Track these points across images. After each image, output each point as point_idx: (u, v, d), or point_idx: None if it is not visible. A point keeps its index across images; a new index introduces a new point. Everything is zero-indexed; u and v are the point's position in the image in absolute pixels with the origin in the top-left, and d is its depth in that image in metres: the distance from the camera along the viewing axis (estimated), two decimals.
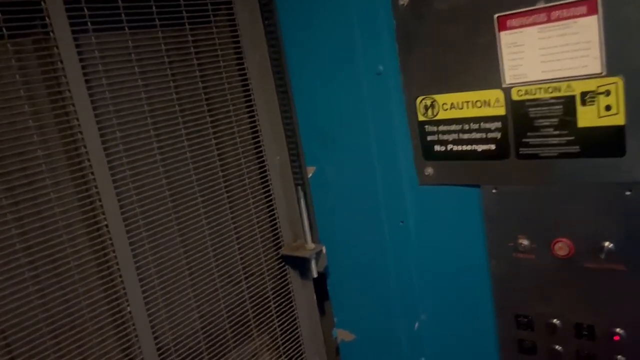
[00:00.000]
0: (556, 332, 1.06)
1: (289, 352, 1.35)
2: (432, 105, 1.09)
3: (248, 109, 1.24)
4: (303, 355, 1.39)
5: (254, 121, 1.26)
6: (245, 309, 1.25)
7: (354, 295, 1.35)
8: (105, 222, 0.97)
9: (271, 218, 1.31)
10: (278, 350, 1.34)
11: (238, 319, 1.24)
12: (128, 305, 1.00)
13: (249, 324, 1.26)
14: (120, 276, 0.99)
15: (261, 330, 1.30)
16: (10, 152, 0.87)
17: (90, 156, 0.95)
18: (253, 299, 1.27)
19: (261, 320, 1.29)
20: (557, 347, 1.07)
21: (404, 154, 1.15)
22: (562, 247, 1.01)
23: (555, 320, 1.06)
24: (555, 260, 1.02)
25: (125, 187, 1.00)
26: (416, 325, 1.26)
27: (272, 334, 1.32)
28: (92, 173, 0.95)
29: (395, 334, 1.30)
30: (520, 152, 1.01)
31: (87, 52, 0.95)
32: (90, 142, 0.94)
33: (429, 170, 1.13)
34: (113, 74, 1.00)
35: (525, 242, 1.05)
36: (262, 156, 1.28)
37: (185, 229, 1.13)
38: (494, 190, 1.06)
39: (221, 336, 1.19)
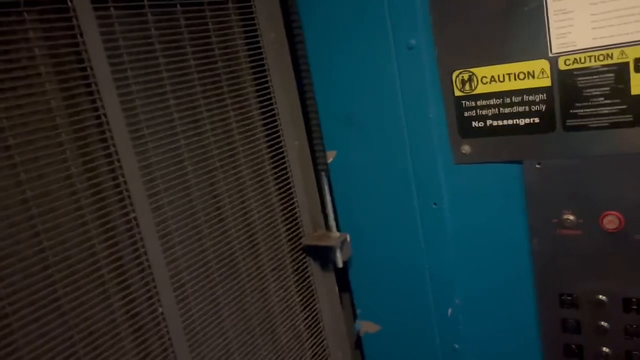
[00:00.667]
0: (602, 308, 1.04)
1: (314, 347, 1.28)
2: (470, 79, 1.04)
3: (264, 91, 1.16)
4: (326, 350, 1.32)
5: (271, 103, 1.17)
6: (271, 305, 1.17)
7: (380, 284, 1.29)
8: (132, 207, 0.87)
9: (291, 207, 1.23)
10: (303, 347, 1.26)
11: (266, 316, 1.16)
12: (160, 306, 0.90)
13: (274, 320, 1.18)
14: (151, 273, 0.89)
15: (287, 327, 1.22)
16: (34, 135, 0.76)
17: (116, 141, 0.84)
18: (278, 292, 1.19)
19: (286, 316, 1.21)
20: (603, 323, 1.05)
21: (438, 133, 1.10)
22: (611, 221, 0.98)
23: (601, 297, 1.04)
24: (603, 234, 1.00)
25: (152, 176, 0.91)
26: (449, 311, 1.22)
27: (295, 330, 1.25)
28: (118, 160, 0.85)
29: (426, 322, 1.25)
30: (568, 124, 0.97)
31: (107, 27, 0.84)
32: (118, 137, 0.84)
33: (466, 148, 1.09)
34: (134, 50, 0.89)
35: (571, 217, 1.02)
36: (280, 141, 1.20)
37: (213, 220, 1.04)
38: (537, 165, 1.02)
39: (250, 335, 1.11)
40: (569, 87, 0.95)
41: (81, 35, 0.80)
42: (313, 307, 1.29)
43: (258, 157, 1.16)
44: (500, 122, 1.04)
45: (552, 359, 1.12)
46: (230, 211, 1.07)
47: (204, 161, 1.03)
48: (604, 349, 1.06)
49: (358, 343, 1.40)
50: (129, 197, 0.86)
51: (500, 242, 1.12)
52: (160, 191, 0.92)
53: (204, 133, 1.03)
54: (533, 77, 0.98)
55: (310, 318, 1.29)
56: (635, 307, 1.01)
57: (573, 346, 1.10)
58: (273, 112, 1.18)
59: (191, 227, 0.99)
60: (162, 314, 0.91)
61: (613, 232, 0.99)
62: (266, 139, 1.19)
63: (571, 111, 0.96)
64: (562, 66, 0.95)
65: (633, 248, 0.98)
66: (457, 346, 1.23)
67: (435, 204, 1.16)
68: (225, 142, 1.08)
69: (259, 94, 1.15)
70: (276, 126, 1.19)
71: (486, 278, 1.16)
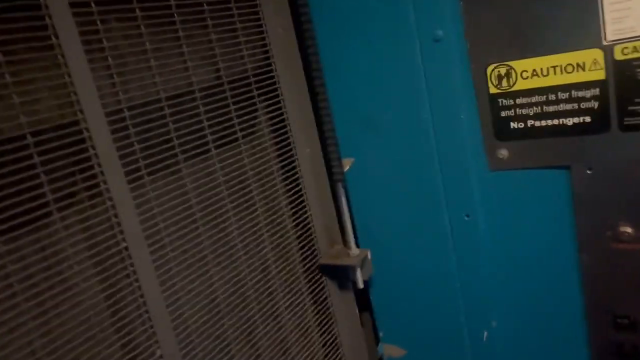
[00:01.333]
0: None
1: None
2: (508, 74, 0.91)
3: (272, 93, 1.03)
4: None
5: (280, 107, 1.04)
6: (285, 334, 1.04)
7: (405, 304, 1.16)
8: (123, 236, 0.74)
9: (304, 222, 1.10)
10: None
11: (280, 346, 1.03)
12: (159, 348, 0.77)
13: (290, 349, 1.05)
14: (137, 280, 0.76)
15: (303, 356, 1.09)
16: None
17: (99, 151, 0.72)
18: (293, 319, 1.06)
19: (303, 344, 1.08)
20: None
21: (470, 135, 0.97)
22: None
23: None
24: None
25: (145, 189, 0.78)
26: (485, 334, 1.08)
27: (313, 358, 1.12)
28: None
29: (459, 347, 1.12)
30: (626, 123, 0.84)
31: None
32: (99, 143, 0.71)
33: (503, 152, 0.95)
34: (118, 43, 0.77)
35: (628, 229, 0.88)
36: (290, 149, 1.07)
37: (215, 237, 0.91)
38: (588, 171, 0.89)
39: None
40: (627, 79, 0.82)
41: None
42: (331, 331, 1.16)
43: (267, 167, 1.03)
44: (543, 123, 0.90)
45: None
46: (237, 231, 0.95)
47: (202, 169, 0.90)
48: None
49: None
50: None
51: (543, 258, 0.99)
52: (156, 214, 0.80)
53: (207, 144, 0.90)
54: (583, 69, 0.85)
55: (328, 344, 1.16)
56: None
57: None
58: (282, 117, 1.05)
59: (193, 247, 0.86)
60: (161, 357, 0.78)
61: None
62: (275, 147, 1.06)
63: (629, 108, 0.83)
64: (618, 56, 0.82)
65: None
66: None
67: (468, 215, 1.02)
68: (230, 154, 0.95)
69: (266, 97, 1.02)
70: (286, 132, 1.06)
71: (528, 298, 1.03)
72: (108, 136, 0.73)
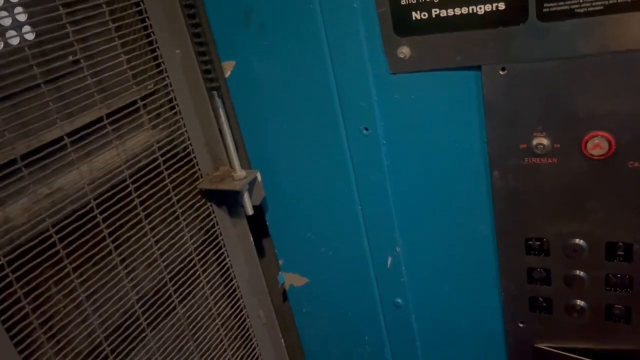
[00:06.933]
0: (580, 255, 0.81)
1: (224, 310, 1.03)
2: None
3: None
4: (243, 311, 1.07)
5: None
6: (159, 270, 0.89)
7: (304, 230, 1.03)
8: None
9: (180, 140, 0.92)
10: (211, 313, 1.01)
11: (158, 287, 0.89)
12: None
13: (167, 288, 0.91)
14: None
15: (188, 293, 0.95)
16: None
17: None
18: (175, 254, 0.91)
19: (184, 279, 0.94)
20: (579, 272, 0.83)
21: (366, 30, 0.79)
22: (598, 144, 0.72)
23: (578, 241, 0.80)
24: (586, 162, 0.74)
25: None
26: (389, 260, 0.97)
27: (201, 294, 0.98)
28: None
29: (363, 274, 1.01)
30: (546, 10, 0.68)
31: None
32: None
33: (404, 51, 0.78)
34: None
35: (544, 141, 0.75)
36: (154, 49, 0.86)
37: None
38: (502, 72, 0.74)
39: (135, 325, 0.84)
40: None
41: None
42: (222, 262, 1.02)
43: (122, 80, 0.83)
44: (450, 12, 0.73)
45: (515, 314, 0.91)
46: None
47: None
48: (579, 302, 0.85)
49: (286, 296, 1.17)
50: None
51: (451, 176, 0.85)
52: None
53: None
54: None
55: (218, 276, 1.02)
56: (621, 252, 0.79)
57: (540, 299, 0.88)
58: (139, 9, 0.83)
59: None
60: None
61: (600, 160, 0.73)
62: (136, 52, 0.85)
63: None
64: None
65: (625, 180, 0.73)
66: (399, 301, 1.01)
67: (366, 128, 0.87)
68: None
69: None
70: (146, 27, 0.85)
71: (434, 220, 0.91)
72: None
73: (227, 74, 0.93)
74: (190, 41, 0.90)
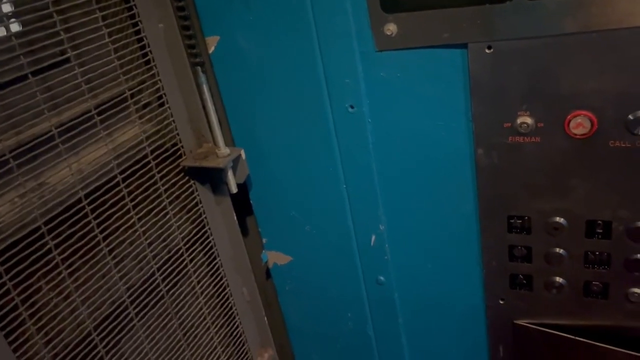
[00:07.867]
0: (560, 233, 0.83)
1: (208, 289, 1.03)
2: None
3: None
4: (227, 289, 1.07)
5: None
6: (141, 247, 0.88)
7: (287, 208, 1.03)
8: None
9: (163, 116, 0.91)
10: (194, 292, 1.00)
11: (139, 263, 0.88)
12: None
13: (150, 267, 0.90)
14: None
15: (173, 272, 0.94)
16: None
17: None
18: (158, 232, 0.90)
19: (167, 257, 0.94)
20: (558, 250, 0.84)
21: (353, 6, 0.78)
22: (580, 123, 0.73)
23: (559, 219, 0.82)
24: (569, 141, 0.75)
25: None
26: (372, 238, 0.98)
27: (184, 273, 0.98)
28: None
29: (346, 252, 1.02)
30: None
31: None
32: None
33: (391, 28, 0.78)
34: None
35: (528, 120, 0.76)
36: (137, 23, 0.84)
37: None
38: (487, 50, 0.74)
39: (121, 308, 0.83)
40: None
41: None
42: (205, 241, 1.02)
43: (103, 52, 0.81)
44: None
45: (496, 291, 0.93)
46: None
47: None
48: (558, 279, 0.87)
49: (269, 274, 1.17)
50: None
51: (435, 154, 0.86)
52: None
53: None
54: None
55: (203, 255, 1.02)
56: (600, 230, 0.80)
57: (521, 276, 0.90)
58: None
59: None
60: None
61: (582, 139, 0.74)
62: (118, 25, 0.83)
63: None
64: None
65: (606, 159, 0.74)
66: (382, 279, 1.02)
67: (352, 106, 0.87)
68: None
69: None
70: (128, 1, 0.83)
71: (417, 198, 0.91)
72: None
73: (211, 49, 0.91)
74: (173, 15, 0.88)
